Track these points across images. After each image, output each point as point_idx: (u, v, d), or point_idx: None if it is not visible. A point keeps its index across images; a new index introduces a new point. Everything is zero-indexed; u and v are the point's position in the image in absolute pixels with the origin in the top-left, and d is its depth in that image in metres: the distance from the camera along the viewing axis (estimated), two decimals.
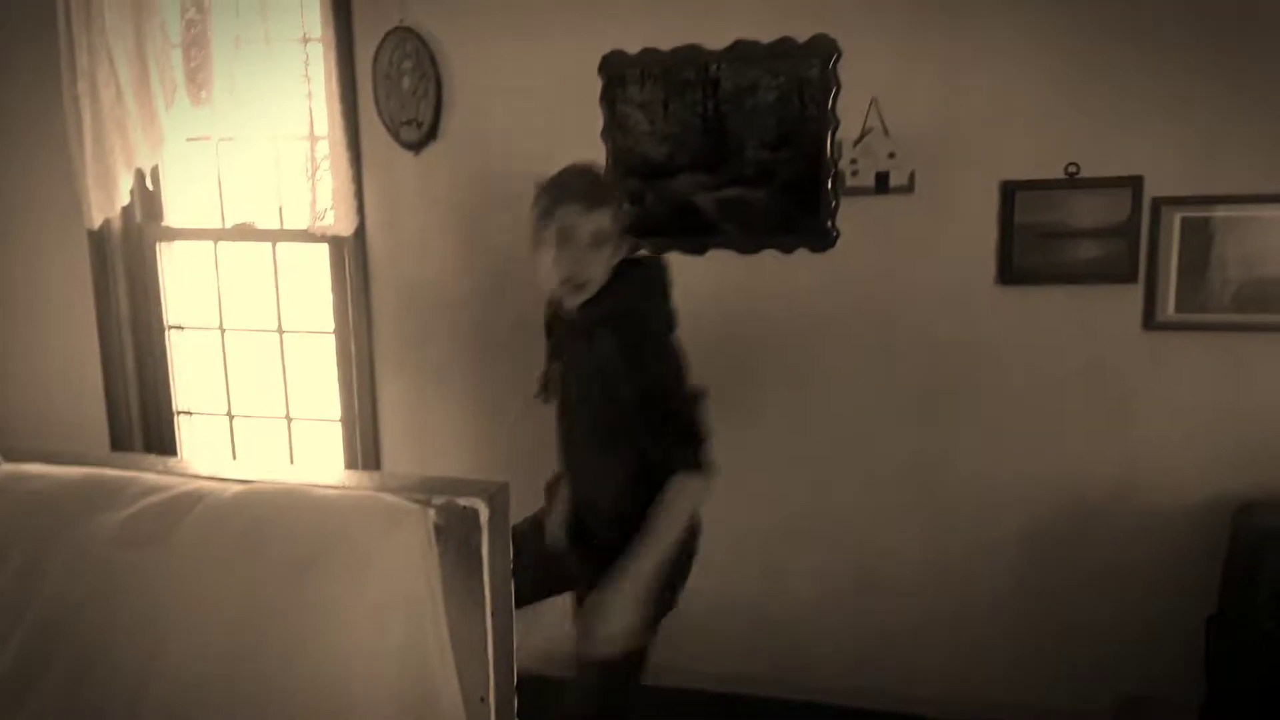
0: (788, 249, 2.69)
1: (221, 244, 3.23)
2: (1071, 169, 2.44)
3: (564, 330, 2.09)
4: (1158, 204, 2.42)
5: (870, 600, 2.80)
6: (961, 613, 2.73)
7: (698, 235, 2.74)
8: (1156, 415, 2.52)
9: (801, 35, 2.56)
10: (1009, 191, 2.50)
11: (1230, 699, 2.40)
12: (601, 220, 1.94)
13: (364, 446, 3.16)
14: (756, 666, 2.91)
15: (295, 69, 2.88)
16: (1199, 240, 2.41)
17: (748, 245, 2.71)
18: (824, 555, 2.81)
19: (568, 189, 1.97)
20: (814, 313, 2.72)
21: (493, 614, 2.23)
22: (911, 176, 2.56)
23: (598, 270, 1.96)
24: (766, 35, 2.58)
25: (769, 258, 2.71)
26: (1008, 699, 2.72)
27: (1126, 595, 2.63)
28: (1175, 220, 2.41)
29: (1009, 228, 2.51)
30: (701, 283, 2.75)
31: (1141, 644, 2.63)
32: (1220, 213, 2.39)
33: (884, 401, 2.71)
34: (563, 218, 1.94)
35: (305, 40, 2.86)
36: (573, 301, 1.99)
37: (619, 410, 1.92)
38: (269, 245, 3.17)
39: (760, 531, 2.86)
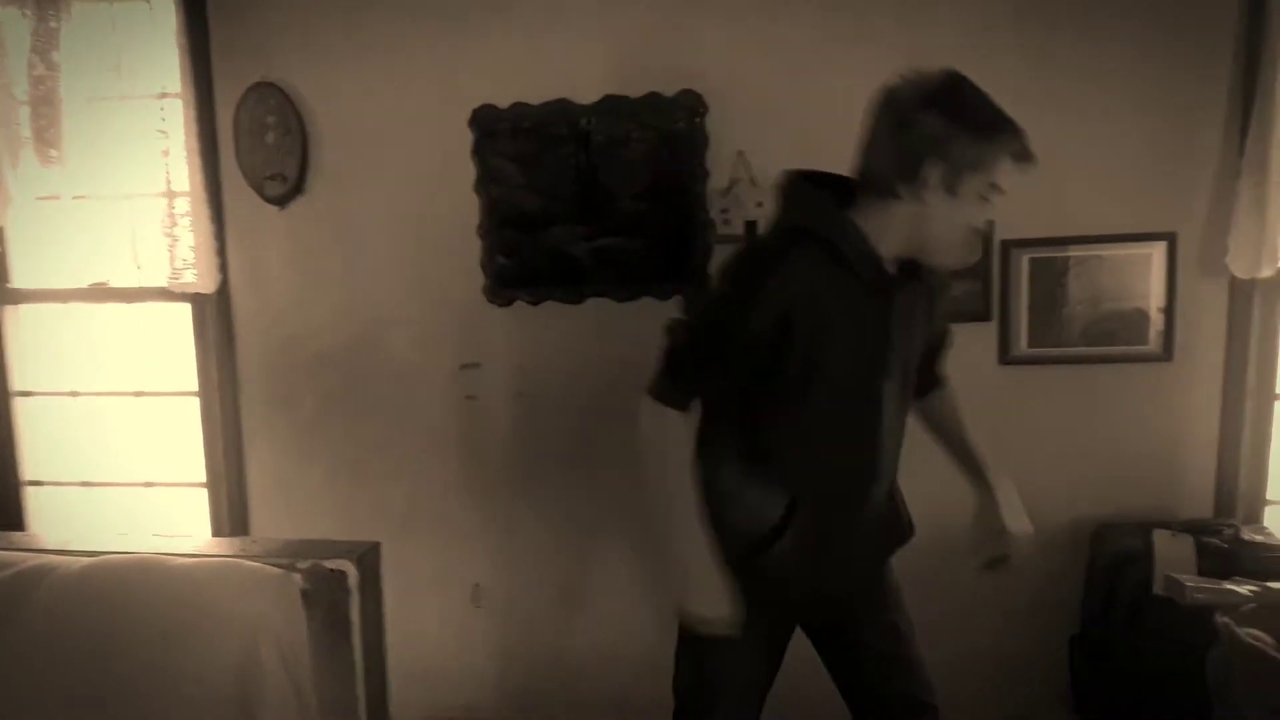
0: (664, 295, 2.72)
1: (76, 305, 3.06)
2: None
3: (901, 300, 1.72)
4: (1007, 246, 2.56)
5: None
6: None
7: (575, 285, 2.75)
8: (1016, 446, 2.64)
9: (668, 91, 2.63)
10: None
11: (1096, 715, 2.51)
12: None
13: (231, 511, 3.03)
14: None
15: (151, 125, 2.79)
16: (1047, 279, 2.56)
17: (625, 293, 2.74)
18: None
19: (1016, 144, 1.62)
20: None
21: (366, 677, 2.16)
22: None
23: None
24: (634, 91, 2.64)
25: (646, 304, 2.74)
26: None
27: (999, 621, 2.73)
28: (1024, 261, 2.56)
29: None
30: (581, 330, 2.77)
31: (1016, 668, 2.73)
32: (1065, 253, 2.54)
33: None
34: (998, 174, 1.61)
35: (163, 95, 2.78)
36: (967, 260, 1.85)
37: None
38: (126, 305, 3.03)
39: (634, 578, 2.87)
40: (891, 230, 1.66)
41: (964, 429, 1.99)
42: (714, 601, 1.70)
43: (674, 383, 1.72)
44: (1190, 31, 2.43)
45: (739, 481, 1.77)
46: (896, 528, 1.97)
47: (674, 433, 1.72)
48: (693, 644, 1.86)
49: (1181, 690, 2.20)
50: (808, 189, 1.72)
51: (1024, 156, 1.63)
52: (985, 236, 2.55)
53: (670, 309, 2.72)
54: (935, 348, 1.95)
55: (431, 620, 2.98)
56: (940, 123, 1.59)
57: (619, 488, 2.82)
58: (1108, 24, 2.46)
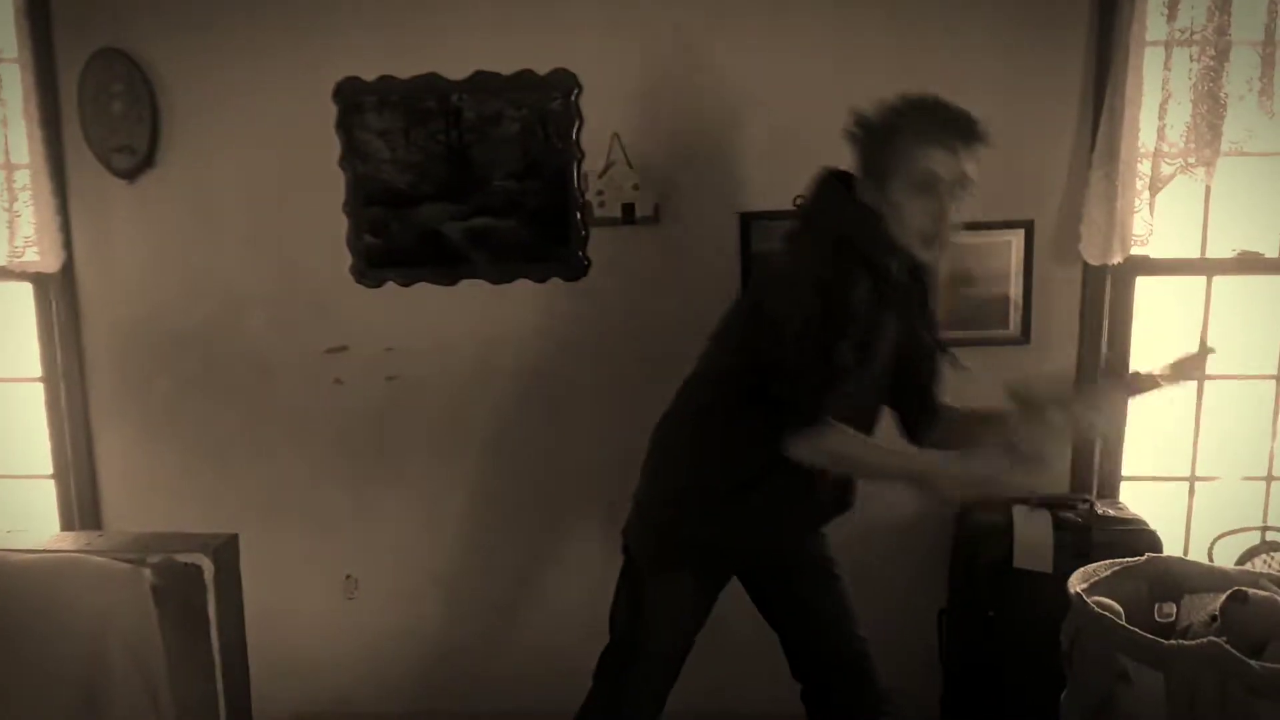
0: (540, 278, 2.69)
1: None
2: (799, 200, 2.58)
3: (900, 297, 1.86)
4: None
5: None
6: (718, 628, 2.80)
7: (447, 266, 2.69)
8: (884, 426, 2.70)
9: (541, 69, 2.58)
10: (745, 221, 2.61)
11: (964, 686, 2.59)
12: (972, 165, 1.78)
13: (80, 502, 2.87)
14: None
15: None
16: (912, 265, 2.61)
17: (499, 275, 2.70)
18: (583, 580, 2.80)
19: (947, 128, 1.75)
20: (567, 340, 2.73)
21: (225, 674, 2.07)
22: (656, 208, 2.62)
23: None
24: (507, 67, 2.59)
25: (521, 287, 2.70)
26: (758, 710, 2.80)
27: (869, 597, 2.77)
28: None
29: (747, 256, 2.63)
30: (454, 313, 2.71)
31: (887, 642, 2.78)
32: None
33: (637, 428, 2.75)
34: (930, 162, 1.74)
35: None
36: (933, 258, 1.84)
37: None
38: None
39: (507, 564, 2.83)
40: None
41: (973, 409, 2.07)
42: (993, 465, 1.76)
43: (809, 412, 1.78)
44: (1044, 26, 2.51)
45: (725, 436, 1.93)
46: (845, 496, 2.05)
47: (839, 438, 1.80)
48: (635, 581, 2.05)
49: (1041, 658, 2.29)
50: (851, 205, 1.86)
51: (950, 143, 1.74)
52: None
53: (547, 291, 2.69)
54: (932, 366, 2.04)
55: (300, 612, 2.89)
56: (864, 145, 1.83)
57: (493, 471, 2.78)
58: (965, 18, 2.52)
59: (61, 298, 2.77)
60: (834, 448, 1.81)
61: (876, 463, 1.89)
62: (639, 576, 2.05)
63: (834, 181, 1.90)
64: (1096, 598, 2.10)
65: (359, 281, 2.71)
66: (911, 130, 1.75)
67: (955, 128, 1.74)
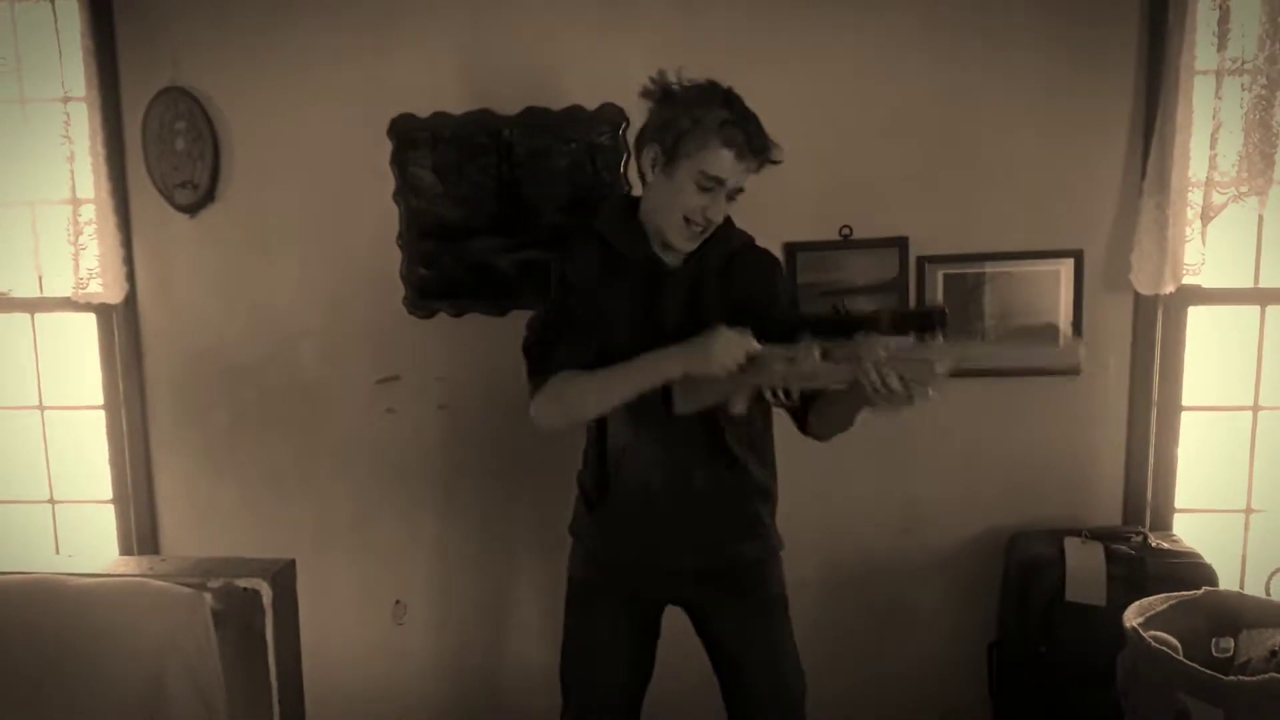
0: None
1: None
2: (845, 231, 2.60)
3: (666, 282, 1.90)
4: (922, 262, 2.61)
5: (664, 652, 2.83)
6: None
7: (497, 297, 2.73)
8: (931, 458, 2.69)
9: (590, 104, 2.62)
10: (792, 252, 2.63)
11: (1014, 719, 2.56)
12: (749, 174, 1.82)
13: (139, 528, 2.93)
14: None
15: (55, 129, 2.71)
16: (960, 294, 2.61)
17: (531, 322, 2.72)
18: None
19: (738, 139, 1.76)
20: None
21: (280, 701, 2.10)
22: None
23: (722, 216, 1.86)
24: (556, 103, 2.63)
25: None
26: None
27: (917, 630, 2.77)
28: (939, 276, 2.61)
29: (794, 286, 2.64)
30: (504, 342, 2.74)
31: (934, 675, 2.77)
32: (977, 269, 2.60)
33: None
34: (716, 165, 1.76)
35: (66, 100, 2.69)
36: (689, 247, 1.87)
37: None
38: (27, 316, 2.92)
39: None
40: (645, 213, 1.89)
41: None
42: (703, 340, 1.75)
43: (538, 373, 1.90)
44: (1093, 57, 2.51)
45: (588, 444, 2.02)
46: (741, 525, 1.98)
47: (558, 385, 1.87)
48: (566, 618, 2.07)
49: (1094, 693, 2.27)
50: (615, 202, 2.02)
51: (743, 154, 1.76)
52: (901, 252, 2.61)
53: None
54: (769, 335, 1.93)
55: (351, 638, 2.92)
56: (660, 112, 1.81)
57: (541, 500, 2.80)
58: (1014, 49, 2.53)
59: (124, 328, 2.84)
60: (563, 392, 1.86)
61: (605, 384, 1.83)
62: (566, 609, 2.08)
63: (616, 201, 2.04)
64: (1153, 632, 2.07)
65: (411, 313, 2.76)
66: (718, 127, 1.76)
67: (758, 143, 1.78)
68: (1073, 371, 2.55)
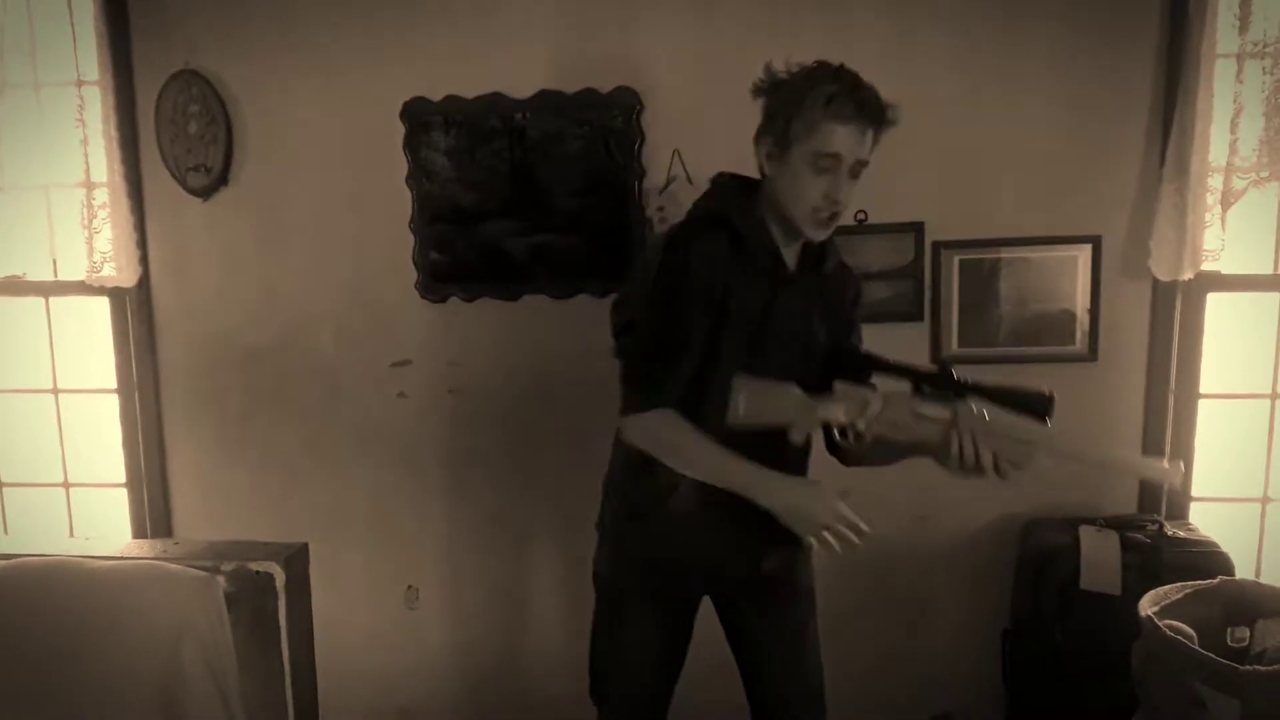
0: (601, 293, 2.70)
1: None
2: (860, 216, 2.58)
3: (782, 280, 1.79)
4: (938, 247, 2.59)
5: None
6: None
7: (510, 281, 2.72)
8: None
9: (604, 87, 2.61)
10: None
11: (1028, 708, 2.55)
12: (871, 146, 1.72)
13: (153, 512, 2.95)
14: None
15: (69, 113, 2.71)
16: (977, 281, 2.59)
17: (560, 290, 2.72)
18: None
19: (847, 108, 1.67)
20: None
21: (294, 683, 2.11)
22: None
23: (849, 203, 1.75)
24: (570, 86, 2.62)
25: (582, 302, 2.72)
26: None
27: (931, 617, 2.76)
28: (954, 262, 2.59)
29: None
30: (516, 327, 2.75)
31: (948, 663, 2.77)
32: (994, 255, 2.58)
33: None
34: (829, 141, 1.66)
35: (80, 84, 2.69)
36: (821, 236, 1.76)
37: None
38: (41, 300, 2.93)
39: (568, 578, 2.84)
40: (765, 209, 1.78)
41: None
42: (803, 493, 1.71)
43: (646, 394, 1.75)
44: (1113, 40, 2.48)
45: (635, 452, 1.83)
46: (784, 529, 1.87)
47: (663, 424, 1.73)
48: (600, 617, 1.99)
49: (1108, 682, 2.25)
50: (730, 183, 1.83)
51: (854, 121, 1.67)
52: (917, 238, 2.59)
53: (607, 306, 2.69)
54: (845, 364, 1.86)
55: (364, 622, 2.93)
56: (770, 103, 1.75)
57: (553, 485, 2.80)
58: (1031, 31, 2.50)
59: (137, 312, 2.85)
60: (661, 434, 1.74)
61: (702, 460, 1.73)
62: (599, 607, 2.00)
63: (729, 182, 1.86)
64: (1168, 621, 2.06)
65: (424, 297, 2.75)
66: (824, 103, 1.67)
67: (869, 110, 1.69)
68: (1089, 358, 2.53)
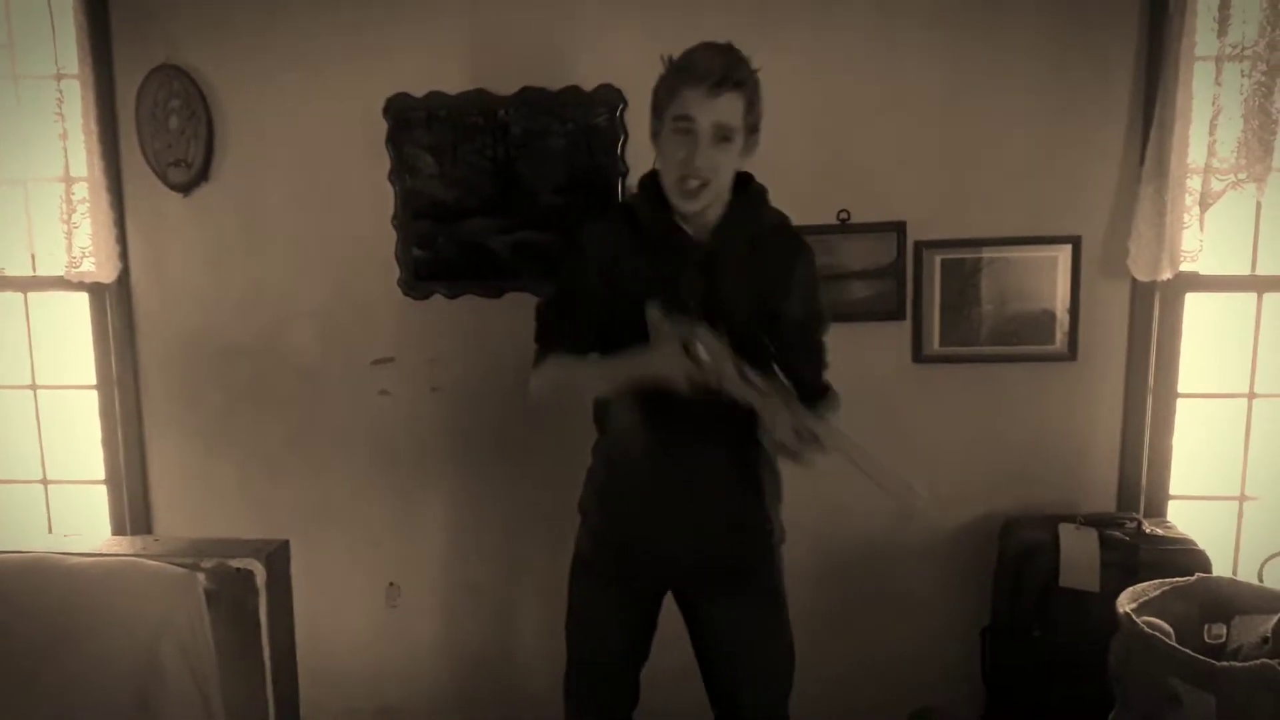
0: None
1: None
2: (843, 215, 2.59)
3: (687, 256, 1.84)
4: (919, 247, 2.60)
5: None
6: None
7: (493, 279, 2.72)
8: (927, 442, 2.69)
9: (588, 84, 2.61)
10: None
11: (1007, 704, 2.57)
12: (729, 109, 1.72)
13: (133, 508, 2.93)
14: None
15: (48, 106, 2.68)
16: (958, 280, 2.60)
17: (544, 288, 2.71)
18: None
19: (692, 70, 1.72)
20: None
21: (274, 682, 2.10)
22: None
23: (724, 172, 1.78)
24: (553, 83, 2.61)
25: None
26: None
27: (910, 614, 2.77)
28: (936, 261, 2.60)
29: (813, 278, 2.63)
30: (499, 324, 2.74)
31: (927, 660, 2.78)
32: (975, 254, 2.59)
33: None
34: (681, 105, 1.72)
35: (59, 77, 2.67)
36: (690, 207, 1.78)
37: (768, 339, 1.87)
38: (19, 295, 2.91)
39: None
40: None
41: None
42: (658, 356, 1.73)
43: (540, 351, 1.95)
44: (1093, 42, 2.50)
45: (598, 434, 2.04)
46: (742, 516, 1.97)
47: (554, 366, 1.92)
48: (570, 595, 2.09)
49: (1086, 678, 2.27)
50: (648, 178, 1.92)
51: (698, 81, 1.70)
52: (899, 237, 2.60)
53: None
54: (783, 339, 1.92)
55: (345, 619, 2.92)
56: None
57: (535, 483, 2.80)
58: (1012, 32, 2.51)
59: (117, 308, 2.83)
60: (558, 375, 1.91)
61: (593, 375, 1.88)
62: (569, 585, 2.10)
63: (647, 178, 1.93)
64: (1146, 618, 2.08)
65: (406, 294, 2.75)
66: (674, 71, 1.75)
67: (713, 70, 1.70)
68: (1067, 358, 2.55)
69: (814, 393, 1.89)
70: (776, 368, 1.87)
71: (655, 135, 1.83)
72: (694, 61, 1.73)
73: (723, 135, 1.74)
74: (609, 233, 1.90)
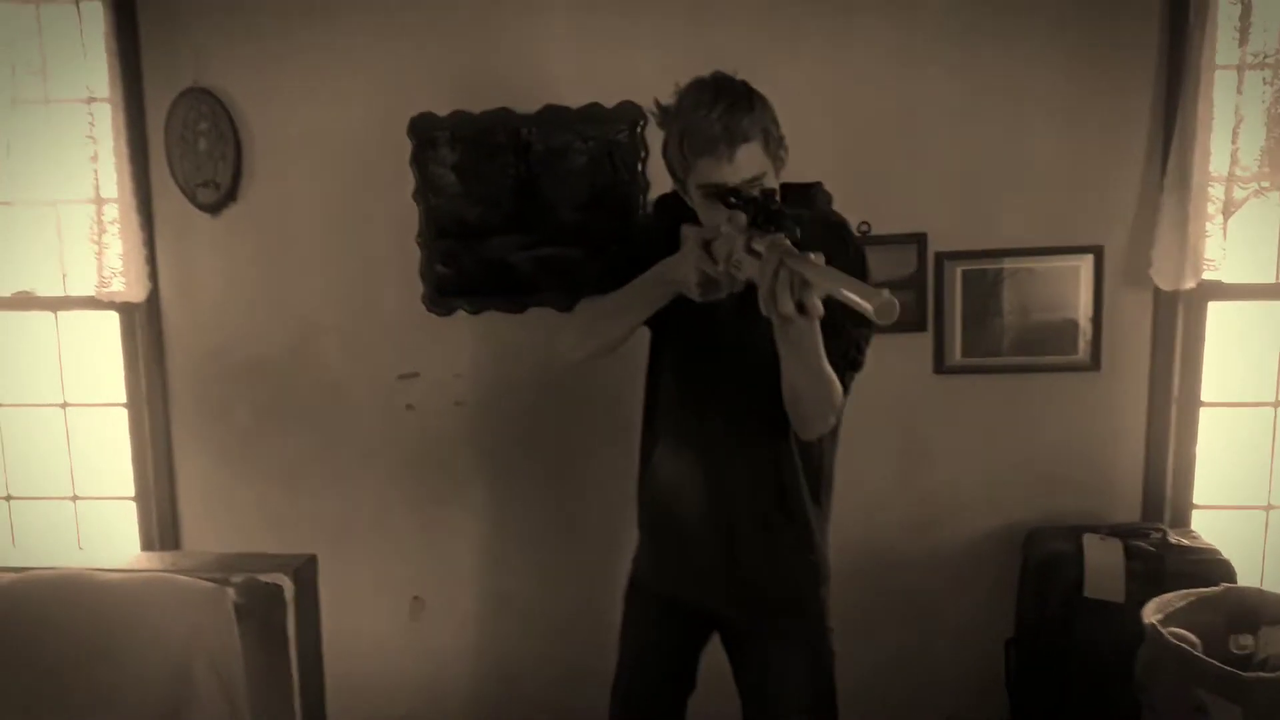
0: None
1: None
2: (864, 227, 2.60)
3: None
4: (941, 258, 2.61)
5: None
6: None
7: (516, 294, 2.74)
8: (950, 453, 2.69)
9: (609, 102, 2.63)
10: None
11: (1032, 715, 2.56)
12: (749, 162, 1.59)
13: (161, 525, 2.96)
14: None
15: (79, 129, 2.73)
16: (980, 291, 2.61)
17: (566, 303, 2.73)
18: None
19: (693, 139, 1.60)
20: (630, 364, 2.75)
21: (302, 694, 2.12)
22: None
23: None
24: (575, 101, 2.64)
25: None
26: None
27: (933, 625, 2.77)
28: (957, 273, 2.61)
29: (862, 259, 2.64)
30: (522, 339, 2.77)
31: (951, 670, 2.77)
32: (996, 265, 2.60)
33: None
34: (702, 175, 1.61)
35: (90, 100, 2.72)
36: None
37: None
38: (51, 314, 2.95)
39: (573, 589, 2.86)
40: None
41: None
42: (673, 260, 1.64)
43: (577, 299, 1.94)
44: (1113, 51, 2.50)
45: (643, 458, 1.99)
46: (778, 552, 1.86)
47: (580, 311, 1.92)
48: (623, 616, 2.06)
49: (1112, 689, 2.26)
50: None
51: (704, 149, 1.58)
52: (920, 248, 2.61)
53: None
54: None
55: (370, 632, 2.94)
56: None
57: (560, 496, 2.81)
58: (1032, 43, 2.52)
59: (146, 327, 2.86)
60: (580, 318, 1.91)
61: (617, 304, 1.77)
62: (624, 607, 2.08)
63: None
64: (1172, 629, 2.07)
65: (430, 310, 2.77)
66: (681, 139, 1.63)
67: (714, 136, 1.58)
68: (1091, 367, 2.55)
69: None
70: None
71: (685, 192, 1.73)
72: (693, 129, 1.60)
73: (758, 180, 1.62)
74: (656, 223, 1.88)
